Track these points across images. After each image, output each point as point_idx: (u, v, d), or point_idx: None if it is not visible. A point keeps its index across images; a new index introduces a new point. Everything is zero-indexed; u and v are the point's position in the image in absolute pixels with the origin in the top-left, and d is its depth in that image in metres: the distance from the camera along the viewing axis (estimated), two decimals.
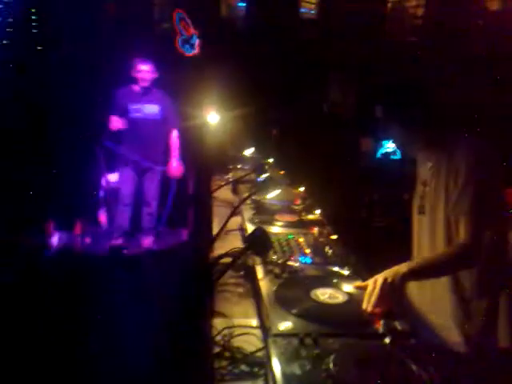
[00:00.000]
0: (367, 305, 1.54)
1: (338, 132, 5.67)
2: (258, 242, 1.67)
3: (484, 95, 5.87)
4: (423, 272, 1.78)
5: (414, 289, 2.00)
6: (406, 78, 1.97)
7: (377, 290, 1.56)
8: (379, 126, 1.97)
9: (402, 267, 1.65)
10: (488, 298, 1.86)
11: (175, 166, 5.09)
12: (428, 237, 1.93)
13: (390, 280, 1.59)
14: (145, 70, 4.81)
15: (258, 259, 1.89)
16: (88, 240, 5.31)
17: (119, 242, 5.16)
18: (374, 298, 1.54)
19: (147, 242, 5.23)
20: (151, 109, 4.97)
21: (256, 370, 1.36)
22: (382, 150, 6.12)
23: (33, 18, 5.72)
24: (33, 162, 5.04)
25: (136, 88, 4.87)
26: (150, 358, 2.67)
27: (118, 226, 5.19)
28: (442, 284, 1.89)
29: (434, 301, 1.93)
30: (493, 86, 5.94)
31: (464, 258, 1.76)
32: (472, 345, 1.83)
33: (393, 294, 1.58)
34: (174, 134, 5.11)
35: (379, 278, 1.60)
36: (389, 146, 5.94)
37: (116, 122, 4.85)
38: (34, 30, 5.71)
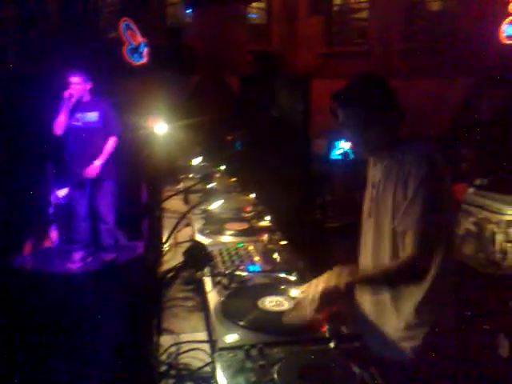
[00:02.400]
0: (309, 312, 1.55)
1: (288, 136, 5.72)
2: (195, 257, 1.65)
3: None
4: (366, 283, 1.81)
5: (361, 293, 2.02)
6: (361, 79, 1.94)
7: (318, 297, 1.57)
8: (336, 127, 1.97)
9: (344, 275, 1.64)
10: (435, 310, 1.84)
11: (94, 167, 4.97)
12: (373, 239, 1.94)
13: (331, 287, 1.60)
14: (76, 82, 4.77)
15: (206, 271, 1.87)
16: (39, 259, 5.17)
17: (80, 255, 5.07)
18: (315, 306, 1.56)
19: (112, 255, 5.16)
20: (90, 117, 4.92)
21: None
22: (335, 152, 6.21)
23: None
24: None
25: (72, 99, 4.82)
26: (95, 377, 2.62)
27: (75, 241, 5.12)
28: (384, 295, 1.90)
29: (379, 310, 1.94)
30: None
31: (412, 272, 1.75)
32: (418, 352, 1.84)
33: (337, 299, 1.59)
34: (111, 141, 5.04)
35: (320, 284, 1.60)
36: (341, 147, 6.03)
37: (59, 130, 4.79)
38: None
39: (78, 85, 4.79)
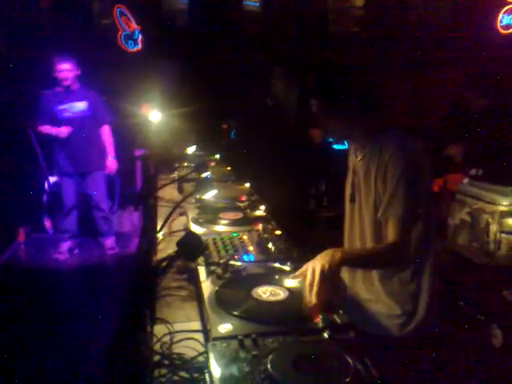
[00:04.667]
0: (311, 297, 1.53)
1: (284, 125, 5.69)
2: (189, 247, 1.64)
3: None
4: (356, 263, 1.83)
5: (347, 276, 2.05)
6: (341, 69, 1.96)
7: (317, 279, 1.55)
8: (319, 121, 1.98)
9: (336, 254, 1.64)
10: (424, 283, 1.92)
11: (110, 163, 4.98)
12: (358, 225, 1.99)
13: (327, 267, 1.59)
14: (65, 69, 4.70)
15: (200, 261, 1.86)
16: (31, 248, 5.15)
17: (67, 245, 5.03)
18: (316, 288, 1.53)
19: (109, 243, 5.13)
20: (79, 106, 4.87)
21: (196, 375, 1.34)
22: (330, 141, 6.20)
23: None
24: None
25: (59, 88, 4.76)
26: (89, 368, 2.62)
27: (64, 231, 5.06)
28: (375, 274, 1.94)
29: (368, 287, 1.98)
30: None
31: (393, 257, 1.82)
32: (411, 330, 1.89)
33: (331, 280, 1.58)
34: (106, 130, 5.01)
35: (316, 267, 1.59)
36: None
37: (46, 128, 4.75)
38: None
39: (68, 71, 4.72)
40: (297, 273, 1.66)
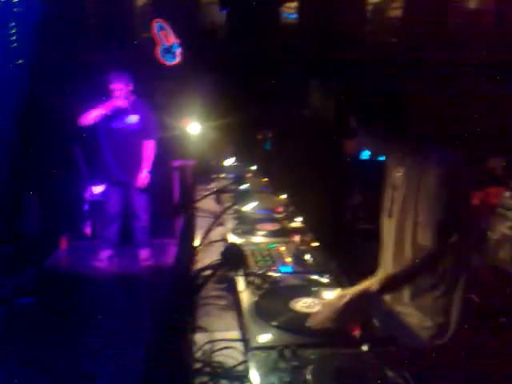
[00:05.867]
0: (330, 322, 1.55)
1: (321, 137, 5.70)
2: (232, 258, 1.68)
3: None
4: (393, 287, 1.85)
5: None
6: (383, 86, 2.00)
7: (340, 311, 1.56)
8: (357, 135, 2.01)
9: (372, 286, 1.69)
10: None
11: (143, 178, 5.04)
12: (394, 240, 1.99)
13: (358, 300, 1.61)
14: (119, 84, 4.82)
15: (239, 271, 1.89)
16: (72, 255, 5.29)
17: (107, 254, 5.14)
18: (336, 318, 1.55)
19: (146, 253, 5.22)
20: (131, 119, 4.97)
21: (236, 383, 1.37)
22: (366, 152, 6.16)
23: (12, 30, 5.69)
24: (17, 175, 5.01)
25: (113, 101, 4.87)
26: (128, 376, 2.66)
27: (105, 239, 5.18)
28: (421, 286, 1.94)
29: (399, 301, 1.98)
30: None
31: (427, 265, 1.84)
32: (443, 342, 1.89)
33: (363, 310, 1.61)
34: (150, 144, 5.10)
35: (346, 298, 1.60)
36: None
37: (96, 138, 4.87)
38: (13, 42, 5.67)
39: (122, 86, 4.82)
40: (333, 294, 1.69)
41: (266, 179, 3.66)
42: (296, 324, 1.53)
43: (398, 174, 2.00)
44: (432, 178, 1.83)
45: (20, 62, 5.05)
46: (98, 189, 5.37)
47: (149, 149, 5.07)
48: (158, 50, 7.07)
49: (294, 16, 10.13)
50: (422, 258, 1.83)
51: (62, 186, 5.24)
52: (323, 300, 1.68)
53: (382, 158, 2.15)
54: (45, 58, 5.15)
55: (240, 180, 2.99)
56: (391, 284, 1.82)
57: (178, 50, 7.17)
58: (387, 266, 2.04)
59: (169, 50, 7.20)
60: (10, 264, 4.43)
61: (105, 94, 4.83)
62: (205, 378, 1.38)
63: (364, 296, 1.65)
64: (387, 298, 2.04)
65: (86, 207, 5.53)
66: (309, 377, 1.24)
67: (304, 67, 7.09)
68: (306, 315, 1.59)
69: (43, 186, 5.17)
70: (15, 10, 5.35)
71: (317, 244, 2.25)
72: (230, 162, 4.03)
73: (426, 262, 1.83)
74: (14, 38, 5.33)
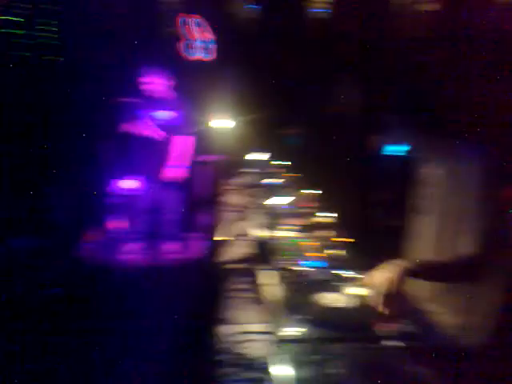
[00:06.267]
0: (379, 306, 1.52)
1: (351, 132, 5.64)
2: (258, 252, 1.68)
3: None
4: (425, 275, 1.79)
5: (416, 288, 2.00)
6: (416, 80, 1.94)
7: (386, 290, 1.53)
8: (390, 130, 1.97)
9: (404, 265, 1.61)
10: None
11: (173, 172, 5.05)
12: (429, 237, 1.92)
13: (395, 278, 1.55)
14: (155, 79, 4.84)
15: (268, 264, 1.90)
16: (100, 248, 5.37)
17: (136, 247, 5.21)
18: (385, 299, 1.51)
19: (172, 248, 5.26)
20: (165, 115, 4.99)
21: (262, 376, 1.38)
22: (396, 148, 6.07)
23: (41, 25, 5.79)
24: (46, 169, 5.11)
25: (148, 96, 4.90)
26: (158, 364, 2.69)
27: (134, 233, 5.25)
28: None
29: (432, 299, 1.93)
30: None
31: (467, 271, 1.75)
32: (477, 342, 1.83)
33: (398, 290, 1.56)
34: (182, 140, 5.12)
35: (385, 277, 1.56)
36: (402, 144, 5.84)
37: (130, 130, 4.90)
38: (43, 35, 5.77)
39: (158, 82, 4.85)
40: (363, 281, 1.66)
41: (293, 174, 3.65)
42: (323, 317, 1.52)
43: (435, 171, 1.92)
44: (473, 178, 1.74)
45: (60, 60, 5.16)
46: (128, 183, 5.44)
47: (181, 144, 5.10)
48: (187, 45, 7.12)
49: (322, 10, 10.05)
50: (458, 264, 1.74)
51: (92, 180, 5.33)
52: (349, 294, 1.67)
53: (407, 154, 2.10)
54: (84, 56, 5.23)
55: (267, 175, 3.00)
56: (422, 270, 1.75)
57: (213, 46, 7.20)
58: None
59: (204, 46, 7.24)
60: (38, 257, 4.53)
61: (141, 91, 4.88)
62: (229, 370, 1.39)
63: (400, 272, 1.57)
64: (416, 294, 2.00)
65: (116, 201, 5.61)
66: (336, 371, 1.24)
67: (333, 62, 7.03)
68: (333, 309, 1.58)
69: (73, 178, 5.27)
70: (54, 8, 5.48)
71: (343, 239, 2.24)
72: (257, 156, 4.03)
73: (464, 267, 1.74)
74: (54, 36, 5.45)
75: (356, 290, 1.70)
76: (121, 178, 5.49)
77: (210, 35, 7.15)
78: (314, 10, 9.94)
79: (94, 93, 4.96)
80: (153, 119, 4.97)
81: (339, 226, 2.39)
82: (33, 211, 4.91)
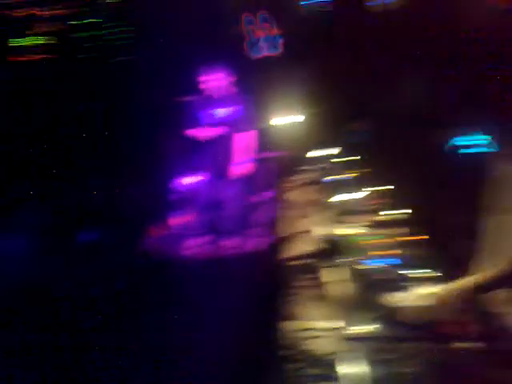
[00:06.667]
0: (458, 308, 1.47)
1: (427, 129, 5.45)
2: (329, 249, 1.64)
3: None
4: (487, 289, 1.70)
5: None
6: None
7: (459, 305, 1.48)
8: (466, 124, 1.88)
9: (475, 279, 1.56)
10: None
11: (235, 168, 5.03)
12: (509, 237, 1.81)
13: (464, 294, 1.51)
14: (219, 77, 4.85)
15: (333, 262, 1.86)
16: (161, 243, 5.46)
17: (196, 242, 5.26)
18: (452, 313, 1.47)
19: (235, 243, 5.25)
20: (228, 112, 4.99)
21: (327, 372, 1.33)
22: (466, 144, 5.82)
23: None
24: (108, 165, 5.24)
25: (212, 93, 4.92)
26: (223, 358, 2.68)
27: (199, 228, 5.29)
28: None
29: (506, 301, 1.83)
30: None
31: None
32: None
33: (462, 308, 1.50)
34: (244, 136, 5.10)
35: (457, 292, 1.51)
36: (475, 139, 5.59)
37: (194, 128, 4.95)
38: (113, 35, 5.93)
39: (218, 80, 4.87)
40: (438, 296, 1.59)
41: (361, 169, 3.55)
42: (392, 317, 1.46)
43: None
44: None
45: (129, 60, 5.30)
46: (190, 179, 5.50)
47: (243, 140, 5.09)
48: (259, 42, 7.13)
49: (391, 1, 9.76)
50: None
51: (157, 176, 5.42)
52: (420, 294, 1.59)
53: (483, 149, 2.00)
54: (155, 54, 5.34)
55: (334, 170, 2.94)
56: (486, 286, 1.67)
57: (280, 41, 7.18)
58: (485, 266, 1.89)
59: (271, 41, 7.23)
60: (99, 251, 4.65)
61: (205, 88, 4.93)
62: (295, 366, 1.36)
63: (462, 293, 1.53)
64: (486, 296, 1.89)
65: (179, 197, 5.69)
66: (409, 370, 1.18)
67: (409, 55, 6.84)
68: (402, 309, 1.51)
69: (140, 174, 5.39)
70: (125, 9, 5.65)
71: (416, 238, 2.16)
72: (321, 152, 3.96)
73: None
74: (123, 37, 5.61)
75: (428, 289, 1.62)
76: (184, 174, 5.55)
77: (276, 30, 7.14)
78: (386, 2, 9.72)
79: (161, 92, 5.05)
80: (216, 116, 5.00)
81: (411, 224, 2.31)
82: (100, 205, 5.05)
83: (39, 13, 4.77)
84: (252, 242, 5.38)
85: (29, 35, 4.77)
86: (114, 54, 5.53)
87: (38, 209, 4.51)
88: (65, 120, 4.75)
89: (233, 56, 5.79)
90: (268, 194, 5.19)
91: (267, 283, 2.02)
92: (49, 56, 5.02)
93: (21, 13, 4.55)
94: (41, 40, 4.73)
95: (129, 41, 5.59)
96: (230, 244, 5.37)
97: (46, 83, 4.74)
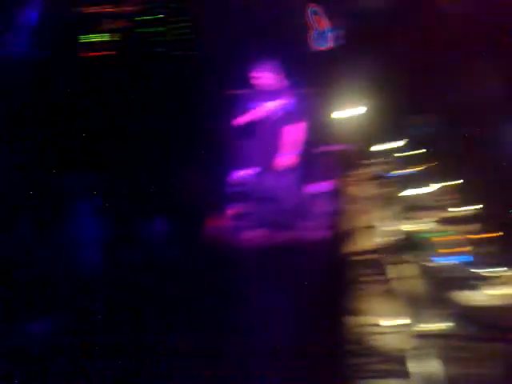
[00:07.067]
0: None
1: (497, 122, 5.23)
2: (398, 244, 1.63)
3: None
4: None
5: None
6: None
7: None
8: None
9: None
10: None
11: (288, 161, 5.01)
12: None
13: None
14: (267, 74, 4.85)
15: (402, 258, 1.85)
16: (222, 233, 5.55)
17: (254, 234, 5.32)
18: None
19: (290, 237, 5.29)
20: (278, 103, 5.00)
21: (397, 368, 1.34)
22: None
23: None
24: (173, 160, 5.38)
25: (265, 87, 4.94)
26: (287, 350, 2.71)
27: (253, 221, 5.36)
28: None
29: None
30: None
31: None
32: None
33: None
34: (296, 128, 5.06)
35: None
36: None
37: (248, 121, 5.00)
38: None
39: (270, 76, 4.89)
40: None
41: (429, 163, 3.47)
42: (465, 315, 1.45)
43: None
44: None
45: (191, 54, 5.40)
46: (244, 172, 5.56)
47: (294, 132, 5.09)
48: (312, 36, 7.09)
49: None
50: None
51: (214, 168, 5.51)
52: (495, 293, 1.56)
53: None
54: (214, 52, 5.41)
55: (400, 165, 2.89)
56: None
57: (332, 34, 7.10)
58: None
59: (322, 35, 7.17)
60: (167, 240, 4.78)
61: (259, 82, 4.96)
62: (363, 359, 1.37)
63: None
64: None
65: (237, 189, 5.77)
66: (484, 371, 1.17)
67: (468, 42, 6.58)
68: (476, 307, 1.49)
69: (201, 166, 5.50)
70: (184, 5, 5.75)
71: (488, 234, 2.09)
72: (385, 146, 3.90)
73: None
74: (186, 32, 5.73)
75: (502, 288, 1.58)
76: (242, 166, 5.62)
77: (338, 22, 7.05)
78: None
79: (220, 86, 5.12)
80: (271, 108, 5.02)
81: (483, 220, 2.24)
82: (163, 195, 5.20)
83: (107, 10, 4.96)
84: (313, 235, 5.37)
85: (97, 32, 4.98)
86: (175, 49, 5.66)
87: (107, 197, 4.70)
88: (132, 113, 4.93)
89: (292, 48, 5.77)
90: (329, 188, 5.17)
91: (328, 277, 2.02)
92: (116, 52, 5.21)
93: (90, 10, 4.75)
94: (108, 36, 4.92)
95: (189, 36, 5.71)
96: (291, 236, 5.39)
97: (115, 78, 4.93)
